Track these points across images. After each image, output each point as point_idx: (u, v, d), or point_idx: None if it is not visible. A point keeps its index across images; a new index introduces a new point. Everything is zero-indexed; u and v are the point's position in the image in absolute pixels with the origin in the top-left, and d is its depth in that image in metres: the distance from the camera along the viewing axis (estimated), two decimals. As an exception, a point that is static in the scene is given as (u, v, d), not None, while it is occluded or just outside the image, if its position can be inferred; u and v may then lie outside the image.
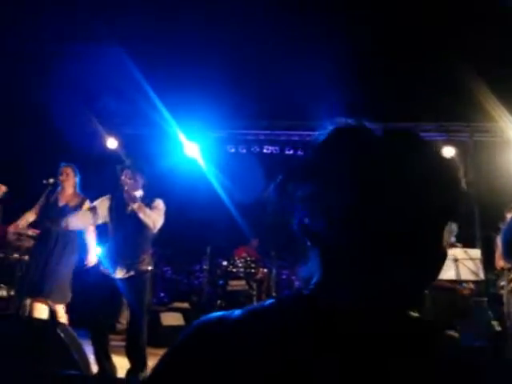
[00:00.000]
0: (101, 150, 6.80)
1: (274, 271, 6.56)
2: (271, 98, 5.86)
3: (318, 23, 5.35)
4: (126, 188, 3.24)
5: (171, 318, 5.25)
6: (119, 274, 3.22)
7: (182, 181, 6.77)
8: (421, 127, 6.27)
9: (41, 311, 3.80)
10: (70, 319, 3.90)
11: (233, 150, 7.08)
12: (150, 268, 3.35)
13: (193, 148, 7.16)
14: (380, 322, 0.55)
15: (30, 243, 4.57)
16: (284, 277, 6.88)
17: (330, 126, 0.62)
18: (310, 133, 6.69)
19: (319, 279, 0.59)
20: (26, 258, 4.49)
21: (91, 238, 4.11)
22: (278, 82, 5.63)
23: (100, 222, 3.45)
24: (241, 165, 6.96)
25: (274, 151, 7.02)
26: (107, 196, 3.44)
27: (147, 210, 3.26)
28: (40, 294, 3.75)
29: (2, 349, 2.18)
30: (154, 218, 3.28)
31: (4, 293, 4.75)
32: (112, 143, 7.06)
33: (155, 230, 3.32)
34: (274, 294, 6.47)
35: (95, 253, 4.10)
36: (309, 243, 0.60)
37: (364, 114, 0.65)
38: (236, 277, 6.31)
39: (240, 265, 6.36)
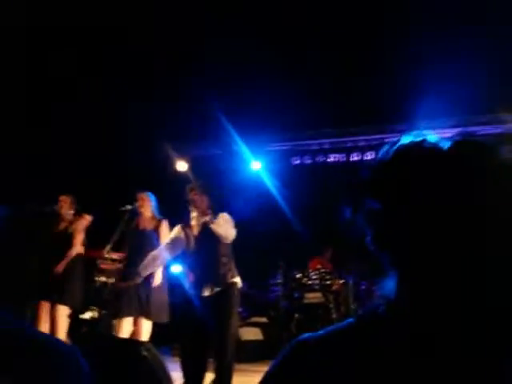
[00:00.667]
0: (172, 173, 7.13)
1: (350, 282, 6.36)
2: (335, 105, 5.77)
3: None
4: (196, 203, 3.36)
5: (250, 333, 5.28)
6: (206, 292, 3.30)
7: (250, 196, 6.87)
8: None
9: (125, 330, 4.01)
10: (155, 336, 4.07)
11: (298, 162, 7.05)
12: (235, 280, 3.40)
13: (257, 164, 7.27)
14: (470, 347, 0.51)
15: (114, 266, 4.88)
16: (363, 287, 6.64)
17: (395, 143, 0.61)
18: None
19: (398, 299, 0.57)
20: (111, 280, 4.78)
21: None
22: (339, 88, 5.54)
23: (179, 252, 3.60)
24: (306, 176, 6.92)
25: (341, 159, 6.87)
26: (180, 225, 3.57)
27: (219, 222, 3.35)
28: (144, 314, 3.98)
29: (91, 366, 2.31)
30: (226, 228, 3.35)
31: (95, 314, 5.09)
32: (182, 166, 7.37)
33: (229, 240, 3.38)
34: (352, 307, 6.26)
35: (159, 275, 4.21)
36: (386, 260, 0.58)
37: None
38: (312, 289, 6.21)
39: (315, 277, 6.25)
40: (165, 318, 4.11)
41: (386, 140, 0.66)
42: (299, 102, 5.56)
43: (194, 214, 3.47)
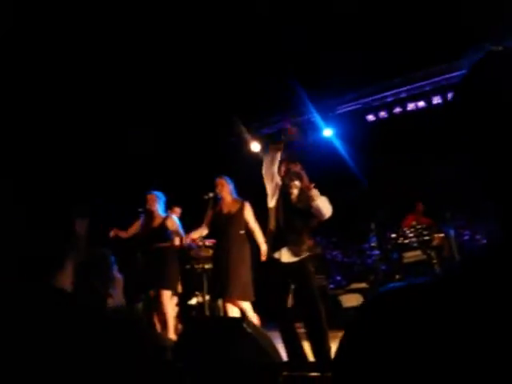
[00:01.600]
0: (244, 156, 7.18)
1: (452, 234, 5.94)
2: (402, 49, 5.29)
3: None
4: (293, 175, 3.32)
5: (351, 300, 5.20)
6: (285, 258, 3.30)
7: (328, 165, 6.69)
8: None
9: (232, 310, 4.16)
10: (260, 314, 4.18)
11: (373, 118, 6.68)
12: (310, 254, 3.38)
13: (329, 131, 7.05)
14: None
15: (208, 252, 5.07)
16: (466, 237, 6.17)
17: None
18: (457, 73, 5.88)
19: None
20: (207, 266, 4.99)
21: (257, 231, 4.34)
22: (401, 30, 5.08)
23: (272, 169, 3.48)
24: (384, 131, 6.54)
25: (420, 106, 6.36)
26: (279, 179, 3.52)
27: (321, 198, 3.29)
28: (227, 296, 4.13)
29: (202, 347, 2.42)
30: (327, 205, 3.30)
31: (200, 299, 5.37)
32: (255, 146, 7.39)
33: (326, 217, 3.32)
34: (457, 258, 5.86)
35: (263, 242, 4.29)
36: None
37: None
38: (410, 247, 5.92)
39: (411, 235, 5.94)
40: (252, 296, 4.18)
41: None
42: (364, 54, 5.19)
43: (296, 183, 3.42)
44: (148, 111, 6.15)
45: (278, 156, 3.37)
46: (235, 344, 2.38)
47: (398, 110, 6.47)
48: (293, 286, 3.36)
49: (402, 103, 6.45)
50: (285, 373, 2.10)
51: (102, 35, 5.00)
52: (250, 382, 1.99)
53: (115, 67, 5.43)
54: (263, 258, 4.22)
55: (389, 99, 6.54)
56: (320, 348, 3.14)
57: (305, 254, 3.33)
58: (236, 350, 2.35)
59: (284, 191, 3.44)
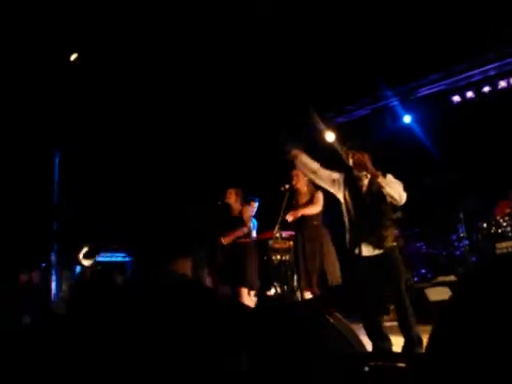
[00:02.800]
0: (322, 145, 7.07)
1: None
2: (491, 21, 4.83)
3: None
4: (362, 163, 3.24)
5: (438, 293, 4.92)
6: (366, 252, 3.22)
7: (409, 152, 6.38)
8: None
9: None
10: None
11: (459, 99, 6.21)
12: (395, 244, 3.26)
13: (408, 118, 6.69)
14: None
15: (285, 244, 5.11)
16: None
17: None
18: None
19: None
20: (286, 257, 5.02)
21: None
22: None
23: (323, 177, 3.52)
24: (471, 113, 6.06)
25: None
26: (340, 173, 3.48)
27: (391, 183, 3.18)
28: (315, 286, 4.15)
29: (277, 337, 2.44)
30: (399, 189, 3.17)
31: (279, 289, 5.43)
32: (330, 136, 7.25)
33: (402, 202, 3.20)
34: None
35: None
36: None
37: None
38: (505, 238, 5.45)
39: (505, 224, 5.47)
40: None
41: None
42: (447, 28, 4.82)
43: (362, 173, 3.34)
44: (226, 104, 6.30)
45: (303, 160, 3.43)
46: (318, 334, 2.37)
47: (487, 89, 5.95)
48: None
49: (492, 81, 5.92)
50: (371, 363, 2.04)
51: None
52: (336, 372, 1.97)
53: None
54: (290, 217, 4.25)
55: (476, 78, 6.04)
56: (409, 340, 3.03)
57: (389, 245, 3.21)
58: (319, 341, 2.34)
59: (352, 184, 3.37)
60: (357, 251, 3.25)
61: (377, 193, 3.22)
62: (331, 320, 2.49)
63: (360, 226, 3.28)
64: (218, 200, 5.09)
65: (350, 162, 3.33)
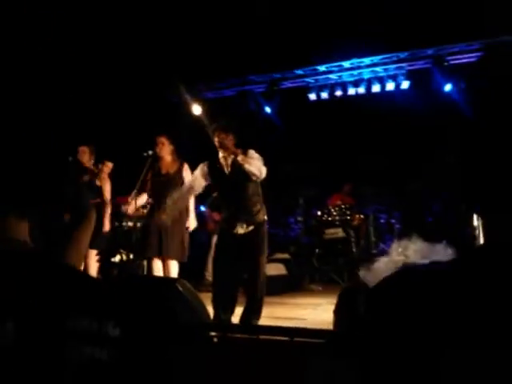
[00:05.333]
0: (188, 117, 7.05)
1: (371, 216, 6.44)
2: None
3: None
4: (224, 143, 3.36)
5: (274, 269, 5.46)
6: (240, 230, 3.40)
7: (266, 136, 6.81)
8: None
9: (158, 270, 4.21)
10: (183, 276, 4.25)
11: (314, 98, 6.86)
12: (265, 218, 3.49)
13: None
14: None
15: (140, 211, 4.99)
16: (382, 221, 6.73)
17: None
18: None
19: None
20: (139, 224, 4.92)
21: (190, 205, 4.36)
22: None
23: (200, 191, 3.68)
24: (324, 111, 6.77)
25: (362, 91, 6.64)
26: (203, 164, 3.60)
27: (250, 160, 3.35)
28: (164, 254, 4.15)
29: (131, 305, 2.45)
30: (259, 165, 3.35)
31: (124, 257, 5.31)
32: (197, 109, 7.27)
33: (262, 177, 3.39)
34: (373, 239, 6.38)
35: (194, 218, 4.37)
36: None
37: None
38: (332, 225, 6.32)
39: (335, 213, 6.33)
40: (185, 257, 4.26)
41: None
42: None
43: (221, 154, 3.47)
44: (93, 62, 5.77)
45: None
46: (168, 303, 2.44)
47: (339, 93, 6.69)
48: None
49: (345, 87, 6.68)
50: (214, 333, 2.21)
51: None
52: (182, 340, 2.08)
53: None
54: (189, 228, 4.30)
55: (332, 81, 6.74)
56: (252, 313, 3.32)
57: (260, 219, 3.42)
58: (169, 309, 2.42)
59: (217, 167, 3.50)
60: (231, 230, 3.40)
61: (240, 171, 3.35)
62: (179, 288, 2.59)
63: (231, 206, 3.43)
64: (68, 156, 4.69)
65: (216, 141, 3.44)
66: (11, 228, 0.85)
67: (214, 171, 3.51)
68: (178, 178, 4.30)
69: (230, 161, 3.46)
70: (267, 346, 1.84)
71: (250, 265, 3.41)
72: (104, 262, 5.02)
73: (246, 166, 3.32)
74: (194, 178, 3.66)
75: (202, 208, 6.25)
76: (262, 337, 1.93)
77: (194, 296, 2.62)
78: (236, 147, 3.44)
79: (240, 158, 3.34)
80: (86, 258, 4.44)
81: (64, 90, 5.83)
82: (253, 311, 3.34)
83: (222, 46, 5.65)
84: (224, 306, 3.32)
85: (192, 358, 1.92)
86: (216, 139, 3.42)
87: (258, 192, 3.49)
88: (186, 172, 4.32)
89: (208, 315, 2.63)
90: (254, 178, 3.37)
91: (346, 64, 6.48)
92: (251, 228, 3.40)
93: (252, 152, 3.45)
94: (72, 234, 4.10)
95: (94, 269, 4.61)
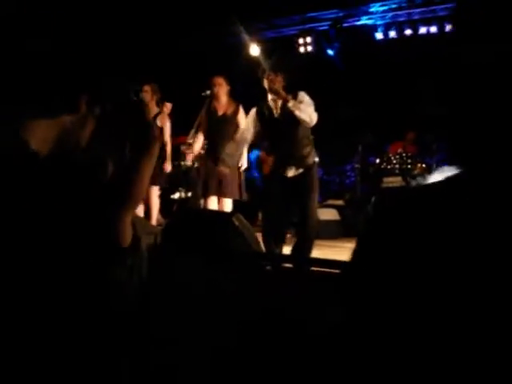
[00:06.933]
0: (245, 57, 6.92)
1: (434, 166, 6.14)
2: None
3: None
4: (273, 85, 3.28)
5: (327, 214, 5.46)
6: (290, 173, 3.40)
7: (323, 78, 6.56)
8: None
9: (213, 207, 4.37)
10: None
11: (381, 36, 6.44)
12: (316, 159, 3.48)
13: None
14: None
15: (198, 151, 5.11)
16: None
17: None
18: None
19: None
20: (196, 164, 5.06)
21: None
22: None
23: (252, 139, 3.65)
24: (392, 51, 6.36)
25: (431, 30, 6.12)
26: (253, 110, 3.56)
27: (301, 106, 3.27)
28: (220, 193, 4.30)
29: (189, 237, 2.58)
30: (310, 112, 3.27)
31: (183, 194, 5.53)
32: (254, 50, 7.09)
33: (312, 124, 3.32)
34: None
35: (245, 159, 4.42)
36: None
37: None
38: (391, 173, 6.13)
39: (395, 161, 6.11)
40: (243, 195, 4.41)
41: None
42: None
43: (270, 97, 3.41)
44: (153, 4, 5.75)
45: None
46: (224, 235, 2.55)
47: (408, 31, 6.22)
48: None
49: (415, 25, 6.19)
50: (267, 263, 2.30)
51: None
52: (236, 269, 2.18)
53: None
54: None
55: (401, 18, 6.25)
56: (302, 252, 3.39)
57: (310, 162, 3.41)
58: (224, 241, 2.52)
59: (266, 111, 3.43)
60: (281, 172, 3.41)
61: (289, 115, 3.29)
62: (235, 222, 2.68)
63: (280, 150, 3.40)
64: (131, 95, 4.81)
65: (265, 84, 3.36)
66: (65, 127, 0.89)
67: (263, 115, 3.46)
68: (233, 120, 4.33)
69: (279, 103, 3.38)
70: (318, 278, 1.88)
71: (300, 207, 3.43)
72: (164, 198, 5.28)
73: (297, 113, 3.24)
74: (246, 128, 3.64)
75: (257, 152, 6.28)
76: (313, 268, 1.97)
77: (248, 230, 2.71)
78: (286, 89, 3.34)
79: (291, 103, 3.25)
80: (148, 193, 4.66)
81: (129, 30, 5.89)
82: (302, 250, 3.41)
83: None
84: (274, 242, 3.41)
85: (245, 286, 2.01)
86: (265, 81, 3.33)
87: (307, 135, 3.43)
88: (241, 115, 4.33)
89: (261, 248, 2.72)
90: (305, 125, 3.31)
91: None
92: (301, 171, 3.38)
93: (302, 94, 3.34)
94: (135, 167, 4.30)
95: (155, 204, 4.86)
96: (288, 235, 3.96)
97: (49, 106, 0.92)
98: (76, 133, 0.96)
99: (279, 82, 3.33)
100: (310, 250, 3.42)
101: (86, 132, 0.99)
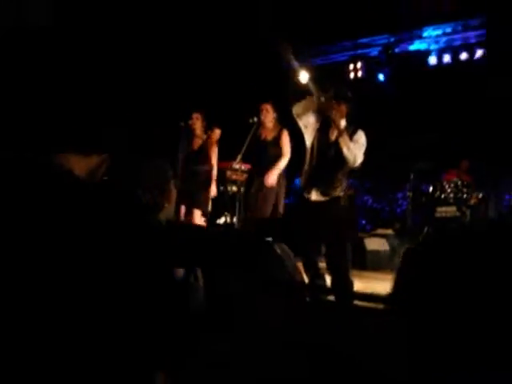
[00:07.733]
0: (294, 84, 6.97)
1: (492, 195, 5.78)
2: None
3: None
4: (331, 116, 3.22)
5: (375, 243, 5.26)
6: (313, 195, 3.32)
7: (377, 108, 6.44)
8: None
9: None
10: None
11: (435, 61, 6.25)
12: (342, 194, 3.32)
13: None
14: None
15: (243, 177, 5.15)
16: (506, 203, 5.99)
17: None
18: None
19: None
20: (242, 190, 5.09)
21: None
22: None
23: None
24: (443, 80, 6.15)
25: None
26: (314, 120, 3.42)
27: (351, 145, 3.19)
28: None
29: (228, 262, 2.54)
30: (356, 153, 3.19)
31: (228, 219, 5.56)
32: (304, 76, 7.12)
33: (354, 166, 3.25)
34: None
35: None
36: None
37: None
38: (445, 203, 5.82)
39: (449, 190, 5.81)
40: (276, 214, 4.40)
41: None
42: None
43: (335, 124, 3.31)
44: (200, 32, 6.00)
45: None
46: (263, 262, 2.49)
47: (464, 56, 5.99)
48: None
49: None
50: (308, 295, 2.20)
51: None
52: (276, 298, 2.11)
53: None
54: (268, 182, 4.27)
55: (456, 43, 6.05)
56: (340, 280, 3.24)
57: (336, 194, 3.29)
58: (264, 268, 2.46)
59: (324, 133, 3.34)
60: (306, 195, 3.34)
61: (338, 147, 3.22)
62: (277, 249, 2.62)
63: (316, 173, 3.32)
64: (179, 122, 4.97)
65: (332, 112, 3.25)
66: (69, 164, 0.88)
67: (321, 134, 3.38)
68: (274, 144, 4.37)
69: (336, 132, 3.31)
70: (360, 312, 1.76)
71: (326, 243, 3.30)
72: (210, 223, 5.32)
73: (344, 150, 3.16)
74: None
75: (297, 181, 6.24)
76: (356, 302, 1.85)
77: (289, 259, 2.64)
78: (347, 121, 3.26)
79: (342, 139, 3.17)
80: (190, 216, 4.72)
81: (178, 56, 6.13)
82: (339, 286, 3.24)
83: (333, 5, 5.41)
84: (309, 271, 3.29)
85: (285, 314, 1.92)
86: (332, 110, 3.24)
87: (346, 171, 3.32)
88: (286, 139, 4.37)
89: (303, 279, 2.63)
90: (346, 162, 3.22)
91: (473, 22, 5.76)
92: (325, 198, 3.26)
93: (360, 135, 3.25)
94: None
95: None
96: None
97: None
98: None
99: (341, 112, 3.27)
100: (346, 286, 3.24)
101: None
